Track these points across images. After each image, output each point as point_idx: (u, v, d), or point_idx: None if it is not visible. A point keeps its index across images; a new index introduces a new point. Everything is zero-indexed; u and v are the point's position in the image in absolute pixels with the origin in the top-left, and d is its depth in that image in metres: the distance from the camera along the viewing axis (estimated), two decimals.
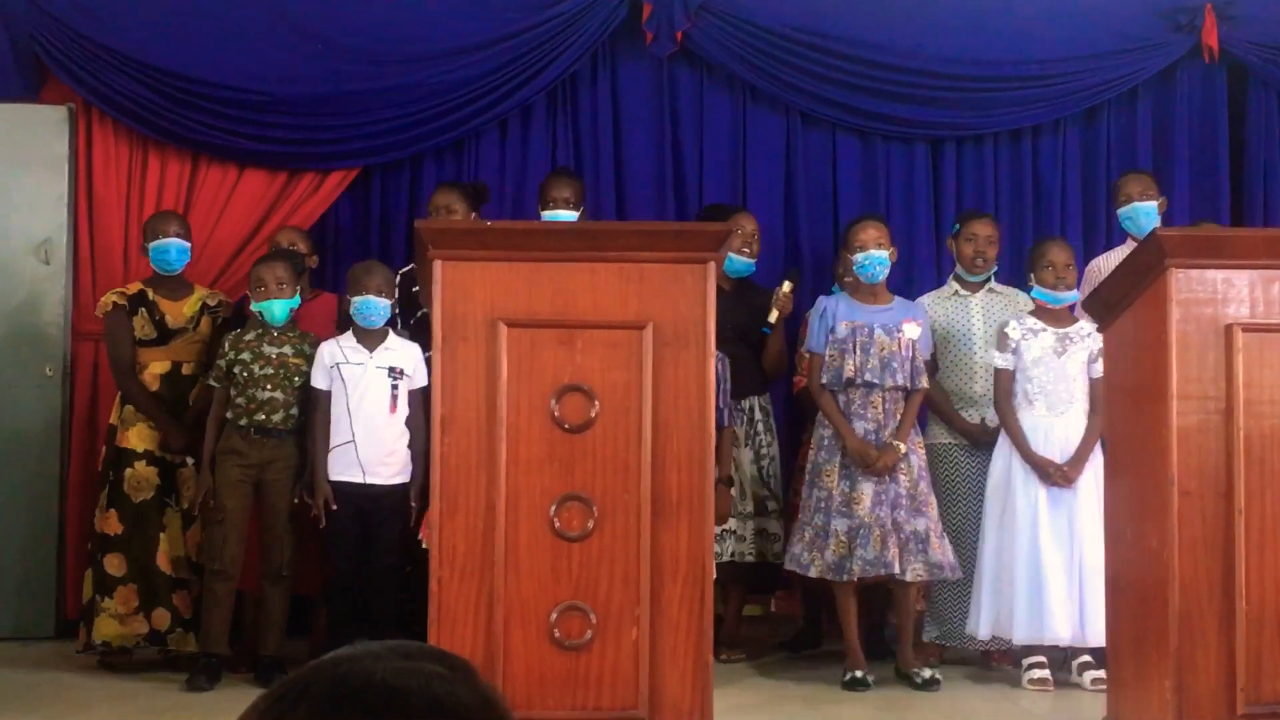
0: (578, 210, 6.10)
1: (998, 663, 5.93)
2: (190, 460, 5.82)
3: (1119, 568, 4.39)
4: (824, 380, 5.64)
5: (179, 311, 5.91)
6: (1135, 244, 5.67)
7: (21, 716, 5.05)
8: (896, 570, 5.45)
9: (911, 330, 5.65)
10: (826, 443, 5.63)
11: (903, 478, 5.55)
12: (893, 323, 5.64)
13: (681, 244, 4.06)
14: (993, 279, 6.15)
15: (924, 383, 5.66)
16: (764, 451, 6.15)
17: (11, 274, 6.61)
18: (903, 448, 5.53)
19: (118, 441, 5.82)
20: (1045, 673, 5.58)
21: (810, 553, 5.57)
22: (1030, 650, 5.63)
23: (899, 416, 5.59)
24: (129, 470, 5.76)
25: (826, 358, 5.64)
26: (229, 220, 6.69)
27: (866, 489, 5.51)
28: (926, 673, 5.54)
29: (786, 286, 6.15)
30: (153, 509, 5.77)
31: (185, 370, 5.91)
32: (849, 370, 5.58)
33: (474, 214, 6.05)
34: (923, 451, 5.69)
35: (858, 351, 5.58)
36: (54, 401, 6.60)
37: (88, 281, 6.61)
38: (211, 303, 6.00)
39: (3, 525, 6.19)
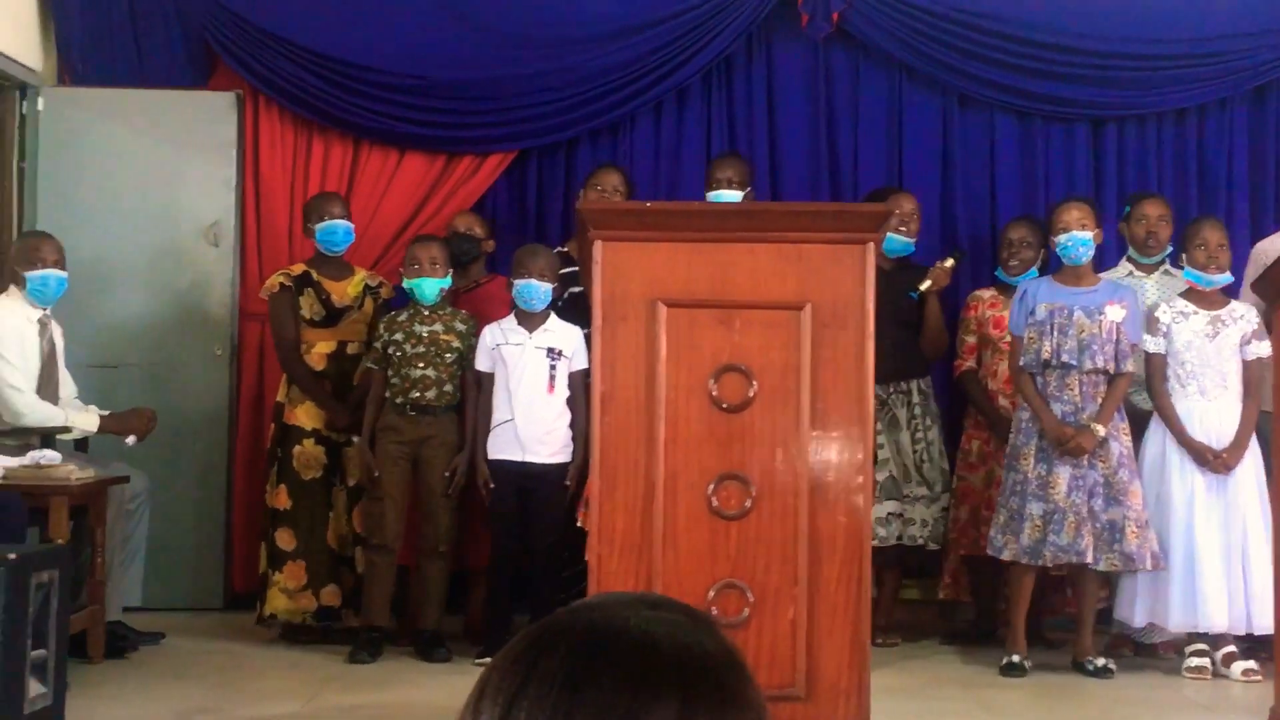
0: (743, 191, 6.12)
1: (1163, 651, 5.83)
2: (355, 439, 5.96)
3: None
4: (1022, 362, 5.57)
5: (344, 291, 6.04)
6: None
7: (194, 684, 5.22)
8: (1089, 559, 5.37)
9: (1115, 312, 5.52)
10: (1024, 425, 5.55)
11: (1100, 464, 5.44)
12: (1095, 305, 5.53)
13: (841, 224, 4.04)
14: (1167, 261, 6.03)
15: (1129, 366, 5.52)
16: (920, 435, 6.10)
17: (182, 256, 6.81)
18: (1101, 431, 5.40)
19: (285, 419, 5.97)
20: (1205, 660, 5.48)
21: (1004, 536, 5.50)
22: (1193, 638, 5.53)
23: (1098, 400, 5.49)
24: (297, 448, 5.91)
25: (1025, 340, 5.58)
26: (389, 203, 6.82)
27: (1062, 473, 5.42)
28: (1099, 661, 5.46)
29: (949, 261, 6.11)
30: (320, 487, 5.91)
31: (350, 350, 6.04)
32: (1045, 352, 5.49)
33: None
34: (1126, 439, 5.54)
35: (1055, 333, 5.49)
36: (222, 381, 6.79)
37: (254, 263, 6.78)
38: (373, 283, 6.12)
39: (174, 501, 6.37)
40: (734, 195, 6.03)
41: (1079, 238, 5.58)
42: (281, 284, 6.01)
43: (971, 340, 6.18)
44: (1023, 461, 5.51)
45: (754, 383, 3.96)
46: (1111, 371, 5.48)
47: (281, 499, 5.91)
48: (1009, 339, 5.76)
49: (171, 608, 6.21)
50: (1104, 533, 5.40)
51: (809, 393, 3.95)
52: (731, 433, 3.98)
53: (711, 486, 3.95)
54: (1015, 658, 5.46)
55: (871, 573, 4.22)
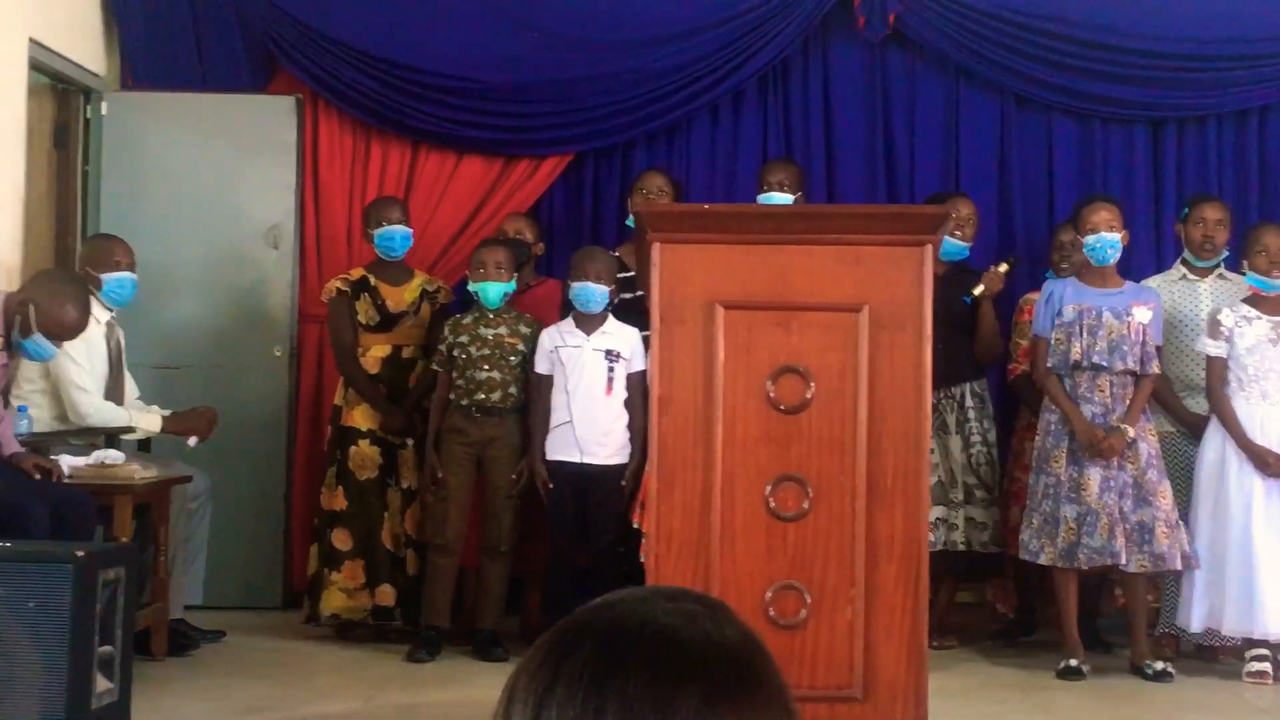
0: (795, 194, 6.13)
1: (1224, 657, 5.79)
2: (410, 442, 6.01)
3: None
4: (1050, 364, 5.56)
5: (400, 297, 6.10)
6: None
7: (253, 682, 5.28)
8: (1123, 560, 5.36)
9: (1142, 314, 5.53)
10: (1053, 428, 5.55)
11: (1130, 465, 5.44)
12: (1122, 306, 5.54)
13: (900, 226, 4.05)
14: (1222, 265, 6.00)
15: (1155, 368, 5.54)
16: (974, 439, 6.08)
17: (243, 258, 6.88)
18: (1131, 432, 5.41)
19: (343, 421, 6.03)
20: (1265, 665, 5.44)
21: (1039, 540, 5.49)
22: (1253, 643, 5.49)
23: (1127, 401, 5.48)
24: (354, 449, 5.97)
25: (1052, 341, 5.57)
26: (447, 206, 6.87)
27: (1094, 474, 5.42)
28: (1158, 665, 5.44)
29: (1003, 266, 6.10)
30: (376, 488, 5.97)
31: (406, 354, 6.10)
32: (1075, 353, 5.49)
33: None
34: (1154, 439, 5.55)
35: (1085, 334, 5.49)
36: (281, 382, 6.86)
37: (314, 266, 6.85)
38: (431, 288, 6.17)
39: (233, 501, 6.43)
40: (785, 198, 6.04)
41: (1107, 239, 5.57)
42: (339, 289, 6.08)
43: (1025, 344, 6.17)
44: (1054, 464, 5.50)
45: (811, 384, 3.97)
46: (1139, 373, 5.48)
47: (338, 500, 5.96)
48: (1034, 341, 5.74)
49: (231, 606, 6.27)
50: (1134, 533, 5.39)
51: (866, 394, 3.96)
52: (789, 434, 3.99)
53: (769, 488, 3.96)
54: (1073, 661, 5.44)
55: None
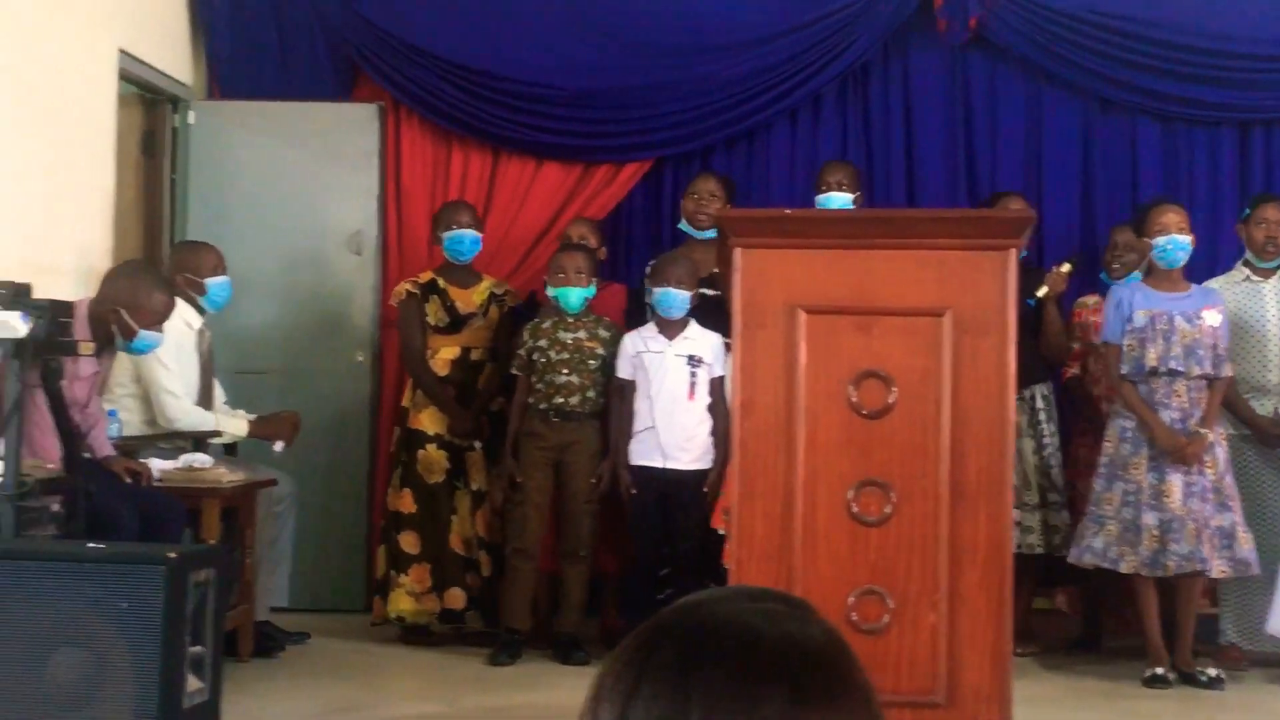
0: (853, 195, 6.12)
1: None
2: (478, 444, 6.05)
3: None
4: (1124, 370, 5.52)
5: (469, 299, 6.15)
6: None
7: (339, 683, 5.34)
8: (1210, 566, 5.31)
9: (1212, 317, 5.49)
10: (1130, 434, 5.50)
11: (1209, 470, 5.39)
12: (1192, 309, 5.50)
13: (983, 230, 4.04)
14: None
15: (1228, 370, 5.49)
16: (1046, 441, 6.04)
17: (326, 264, 6.96)
18: (1210, 436, 5.37)
19: (410, 424, 6.08)
20: None
21: (1118, 547, 5.44)
22: None
23: (1202, 405, 5.44)
24: (421, 452, 6.02)
25: (1124, 348, 5.53)
26: (528, 212, 6.91)
27: (1176, 481, 5.37)
28: (1211, 671, 5.37)
29: (1065, 267, 6.05)
30: (444, 491, 6.01)
31: (474, 356, 6.14)
32: (1151, 359, 5.45)
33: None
34: (1226, 443, 5.51)
35: (1159, 340, 5.45)
36: (364, 387, 6.93)
37: (395, 271, 6.90)
38: (499, 291, 6.22)
39: (317, 504, 6.50)
40: (845, 199, 6.03)
41: (1178, 241, 5.53)
42: (408, 291, 6.14)
43: (1078, 346, 6.13)
44: (1133, 471, 5.45)
45: (893, 389, 3.95)
46: (1213, 376, 5.43)
47: (406, 503, 6.02)
48: (1104, 347, 5.70)
49: (315, 609, 6.34)
50: (1215, 538, 5.34)
51: (949, 399, 3.94)
52: (871, 439, 3.98)
53: (851, 492, 3.95)
54: (1159, 669, 5.39)
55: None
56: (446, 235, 6.14)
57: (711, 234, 6.18)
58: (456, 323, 6.12)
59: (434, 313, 6.11)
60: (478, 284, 6.21)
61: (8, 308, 4.17)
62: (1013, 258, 3.98)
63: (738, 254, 4.06)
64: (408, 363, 6.22)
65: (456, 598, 5.98)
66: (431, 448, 6.03)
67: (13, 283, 4.31)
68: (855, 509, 3.95)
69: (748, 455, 4.04)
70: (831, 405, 3.99)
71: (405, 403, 6.18)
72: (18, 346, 4.12)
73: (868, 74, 6.90)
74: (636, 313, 6.14)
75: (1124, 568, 5.45)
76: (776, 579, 3.99)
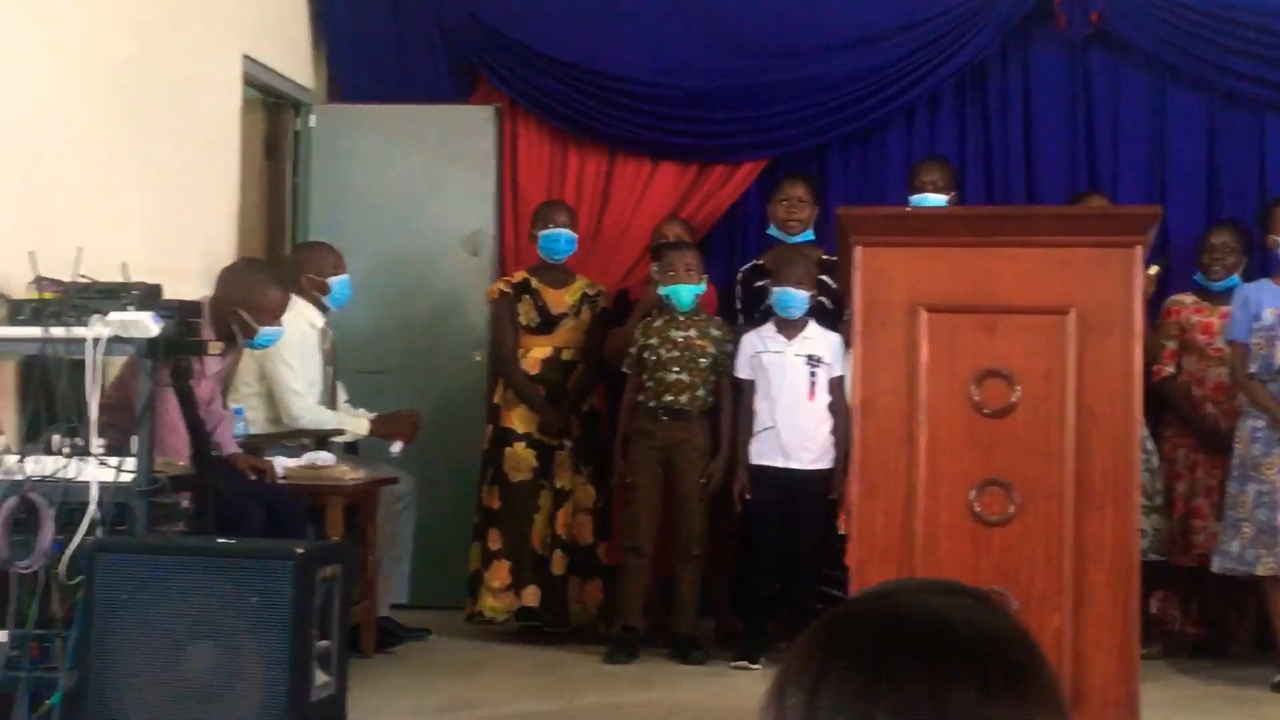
0: (948, 195, 6.07)
1: None
2: (568, 444, 6.07)
3: None
4: (1252, 369, 5.42)
5: (561, 299, 6.18)
6: None
7: (456, 680, 5.39)
8: None
9: None
10: (1261, 434, 5.40)
11: None
12: None
13: (1108, 228, 3.99)
14: None
15: None
16: (1144, 444, 5.93)
17: (443, 265, 7.04)
18: None
19: (501, 421, 6.13)
20: None
21: (1254, 549, 5.33)
22: None
23: None
24: (509, 450, 6.07)
25: (1252, 346, 5.42)
26: (643, 212, 6.92)
27: None
28: None
29: (1154, 269, 5.95)
30: (529, 489, 6.05)
31: (565, 356, 6.17)
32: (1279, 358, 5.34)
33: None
34: None
35: None
36: (479, 386, 6.98)
37: (512, 272, 6.94)
38: (591, 292, 6.24)
39: (434, 502, 6.55)
40: (939, 199, 5.98)
41: None
42: (501, 290, 6.19)
43: (1172, 346, 6.01)
44: (1266, 472, 5.35)
45: (1016, 388, 3.91)
46: None
47: (494, 500, 6.06)
48: (1224, 346, 5.59)
49: (434, 606, 6.40)
50: None
51: (1074, 398, 3.89)
52: (994, 438, 3.94)
53: (973, 492, 3.92)
54: None
55: None
56: (542, 234, 6.18)
57: (803, 238, 6.18)
58: (548, 323, 6.16)
59: (525, 312, 6.15)
60: (571, 284, 6.24)
61: (140, 308, 4.26)
62: (1138, 255, 3.92)
63: (858, 252, 4.04)
64: (498, 361, 6.28)
65: (533, 595, 6.02)
66: (520, 446, 6.07)
67: (144, 283, 4.41)
68: (978, 509, 3.92)
69: (868, 454, 4.02)
70: (953, 404, 3.96)
71: (496, 399, 6.23)
72: (150, 346, 4.21)
73: (986, 71, 6.83)
74: (725, 314, 6.15)
75: (1260, 570, 5.34)
76: (898, 578, 3.97)
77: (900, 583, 1.14)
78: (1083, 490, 3.87)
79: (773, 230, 6.28)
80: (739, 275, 6.27)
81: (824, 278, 5.89)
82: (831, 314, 5.91)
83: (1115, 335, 3.91)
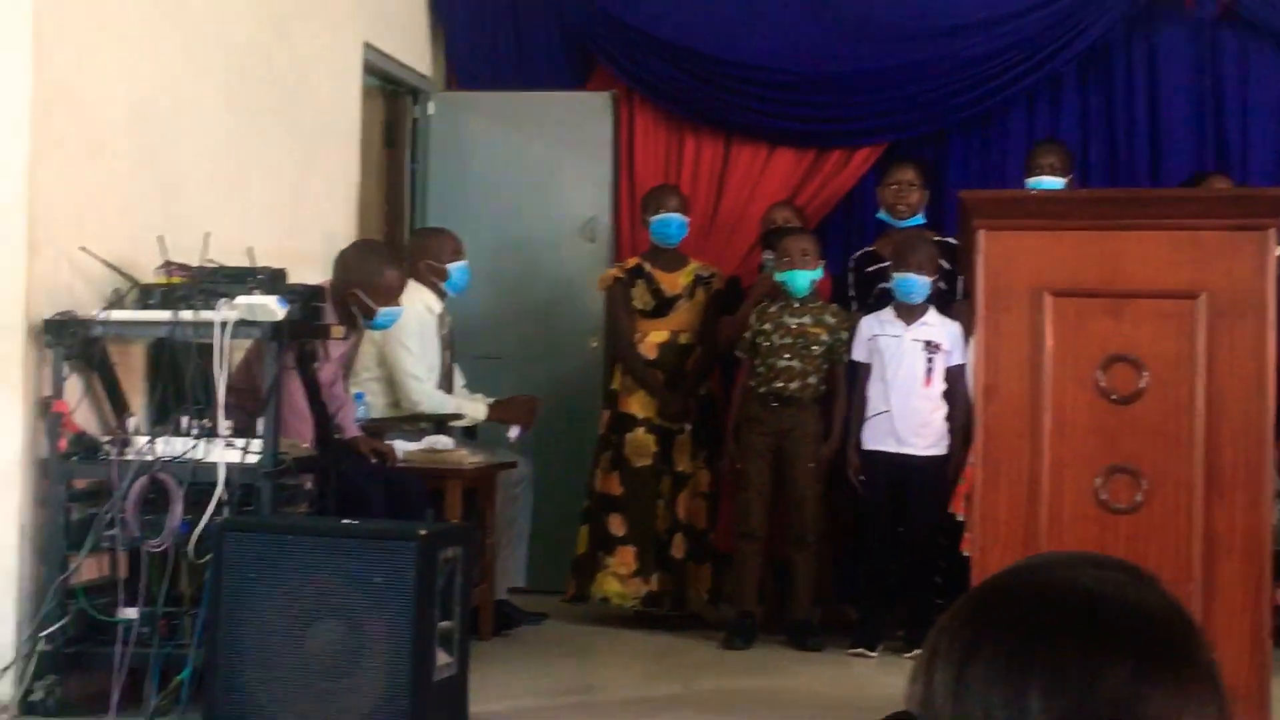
0: (1065, 178, 5.97)
1: None
2: (687, 427, 6.06)
3: None
4: None
5: (675, 282, 6.18)
6: None
7: (575, 663, 5.42)
8: None
9: None
10: None
11: None
12: None
13: (1240, 210, 3.89)
14: None
15: None
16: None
17: (560, 251, 7.07)
18: None
19: (619, 407, 6.13)
20: None
21: None
22: None
23: None
24: (629, 435, 6.07)
25: None
26: (759, 198, 6.89)
27: None
28: None
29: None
30: (651, 475, 6.04)
31: (682, 340, 6.15)
32: None
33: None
34: None
35: None
36: (595, 372, 7.00)
37: (628, 258, 6.95)
38: (704, 274, 6.23)
39: (551, 488, 6.58)
40: (1056, 182, 5.88)
41: None
42: (615, 276, 6.19)
43: None
44: None
45: (1144, 374, 3.84)
46: None
47: (613, 485, 6.07)
48: None
49: (550, 590, 6.42)
50: None
51: (1204, 384, 3.81)
52: (1120, 424, 3.87)
53: (1099, 479, 3.85)
54: None
55: None
56: (654, 219, 6.18)
57: (912, 222, 6.12)
58: (663, 306, 6.16)
59: (640, 297, 6.15)
60: (683, 267, 6.23)
61: (266, 292, 4.33)
62: (1271, 238, 3.82)
63: (981, 236, 3.98)
64: (616, 347, 6.29)
65: (658, 581, 6.02)
66: (640, 431, 6.08)
67: (270, 268, 4.48)
68: (1104, 496, 3.85)
69: (992, 440, 3.97)
70: (1079, 390, 3.90)
71: (614, 385, 6.24)
72: (275, 329, 4.27)
73: (1110, 53, 6.71)
74: (839, 301, 6.10)
75: None
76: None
77: (1050, 556, 1.11)
78: (1212, 478, 3.79)
79: (882, 214, 6.23)
80: (851, 262, 6.23)
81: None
82: (945, 295, 5.86)
83: (1248, 320, 3.82)
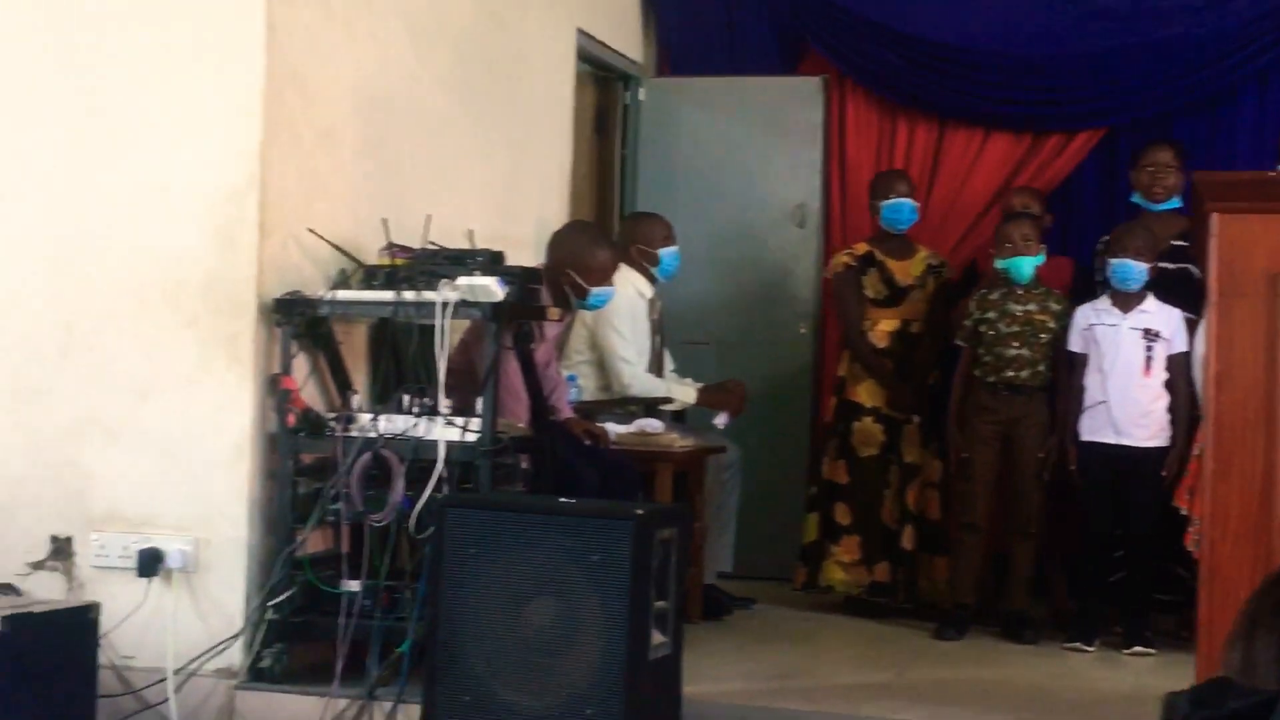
0: None
1: None
2: (916, 418, 5.98)
3: None
4: None
5: (906, 270, 6.09)
6: None
7: (784, 648, 5.41)
8: None
9: None
10: None
11: None
12: None
13: None
14: None
15: None
16: None
17: (770, 236, 7.05)
18: None
19: (847, 395, 6.07)
20: None
21: None
22: None
23: None
24: (857, 424, 6.01)
25: None
26: (973, 184, 6.79)
27: None
28: None
29: None
30: (878, 464, 5.98)
31: (913, 329, 6.07)
32: None
33: None
34: None
35: None
36: (805, 358, 6.99)
37: (839, 244, 6.88)
38: (935, 263, 6.13)
39: (758, 474, 6.57)
40: None
41: None
42: (846, 263, 6.12)
43: None
44: None
45: None
46: None
47: (840, 474, 6.02)
48: None
49: (758, 576, 6.42)
50: None
51: None
52: None
53: None
54: None
55: None
56: (885, 204, 6.10)
57: (1169, 205, 5.93)
58: (895, 295, 6.08)
59: (872, 285, 6.08)
60: (914, 255, 6.15)
61: (485, 274, 4.39)
62: None
63: (1215, 219, 3.85)
64: (846, 336, 6.22)
65: (885, 570, 5.97)
66: (868, 420, 6.02)
67: (489, 250, 4.54)
68: None
69: (1223, 431, 3.84)
70: None
71: (841, 372, 6.18)
72: (495, 310, 4.33)
73: None
74: (1083, 289, 5.93)
75: None
76: (1253, 561, 3.78)
77: None
78: None
79: (1136, 198, 6.03)
80: (1100, 245, 6.01)
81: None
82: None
83: None
